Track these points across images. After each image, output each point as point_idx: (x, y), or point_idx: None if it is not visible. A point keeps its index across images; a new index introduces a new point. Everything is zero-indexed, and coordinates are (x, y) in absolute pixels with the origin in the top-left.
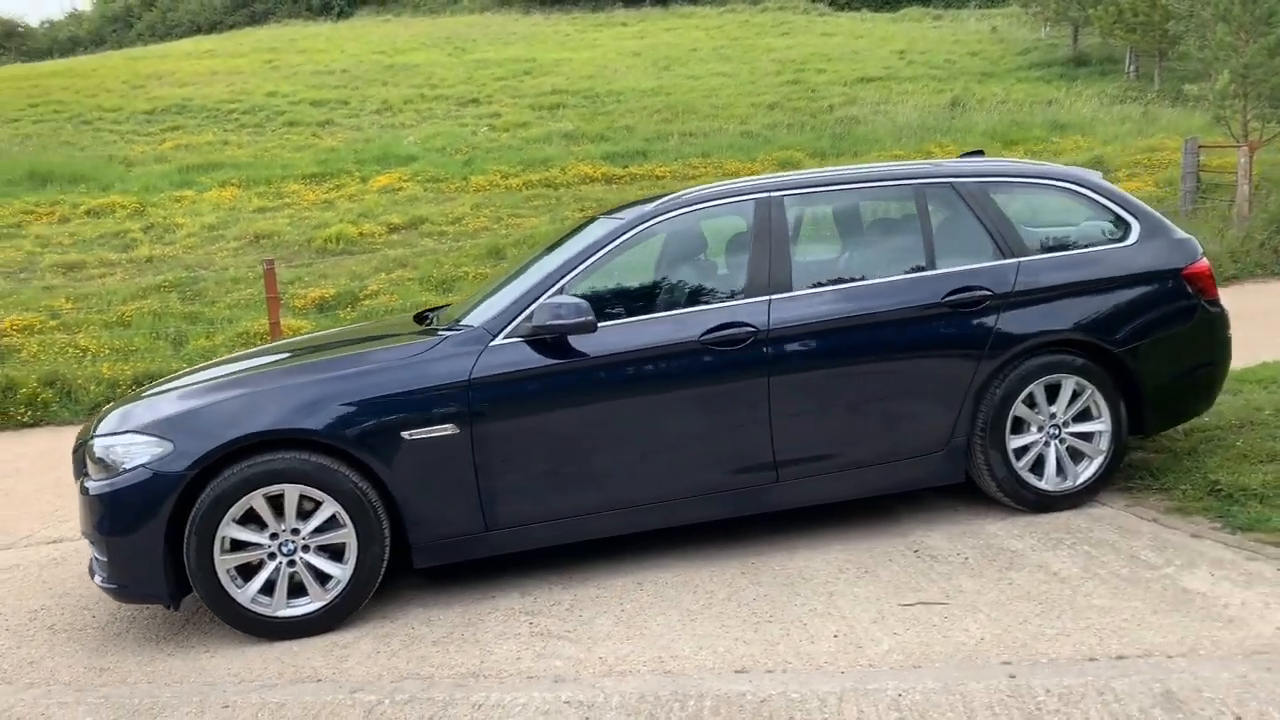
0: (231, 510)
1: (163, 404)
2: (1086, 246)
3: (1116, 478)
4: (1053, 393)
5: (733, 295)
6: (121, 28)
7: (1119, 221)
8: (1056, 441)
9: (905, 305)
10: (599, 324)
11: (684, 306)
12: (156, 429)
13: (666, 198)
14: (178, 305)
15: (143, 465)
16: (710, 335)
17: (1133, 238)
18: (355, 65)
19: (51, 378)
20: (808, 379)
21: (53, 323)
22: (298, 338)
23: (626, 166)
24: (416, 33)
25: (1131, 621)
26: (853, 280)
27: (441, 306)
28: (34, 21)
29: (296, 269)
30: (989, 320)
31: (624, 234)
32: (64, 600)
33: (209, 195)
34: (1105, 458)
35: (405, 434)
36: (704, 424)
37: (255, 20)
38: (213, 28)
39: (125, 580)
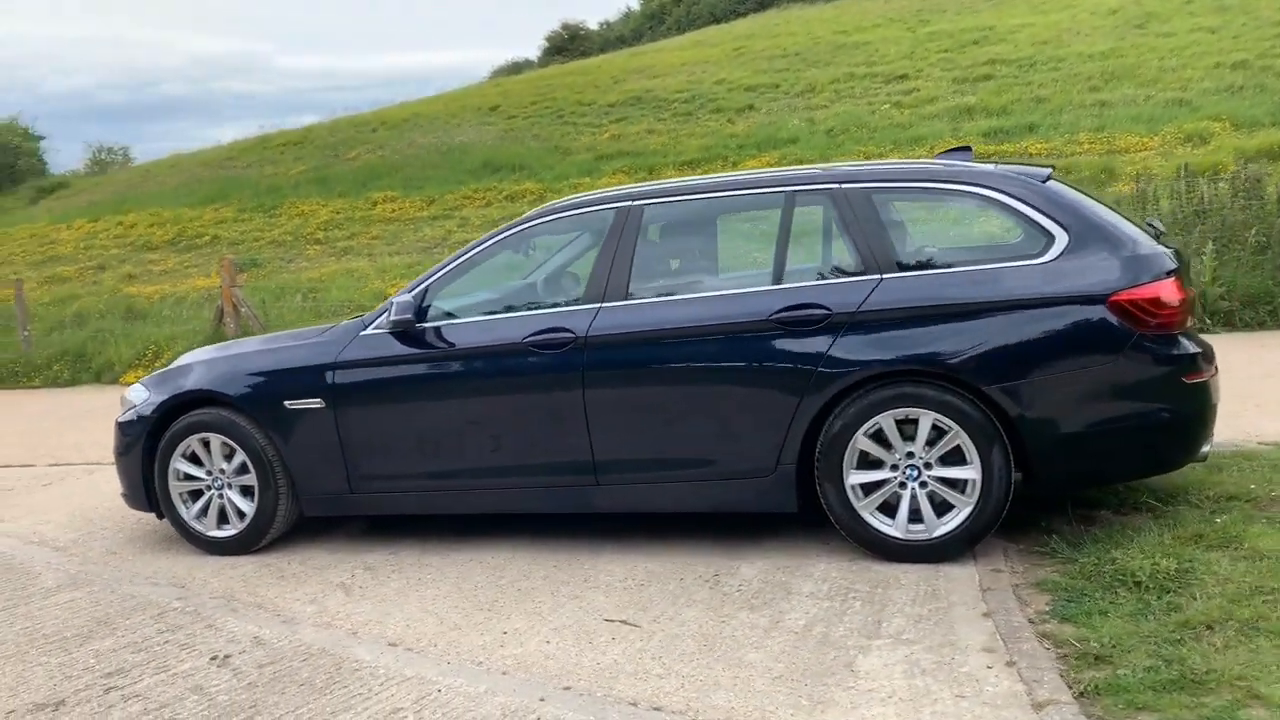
0: (179, 448)
1: (175, 362)
2: (982, 263)
3: (1042, 532)
4: (912, 428)
5: (574, 301)
6: (655, 24)
7: (1040, 233)
8: (916, 484)
9: (729, 320)
10: (464, 320)
11: (532, 309)
12: (149, 382)
13: (546, 204)
14: None
15: (134, 407)
16: (534, 338)
17: (1051, 253)
18: (810, 47)
19: None
20: (626, 387)
21: None
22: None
23: (1002, 143)
24: (891, 8)
25: (733, 681)
26: (693, 291)
27: None
28: (594, 24)
29: None
30: (824, 341)
31: (495, 239)
32: None
33: (601, 182)
34: (973, 510)
35: (287, 403)
36: (529, 421)
37: (763, 6)
38: (726, 17)
39: (126, 492)
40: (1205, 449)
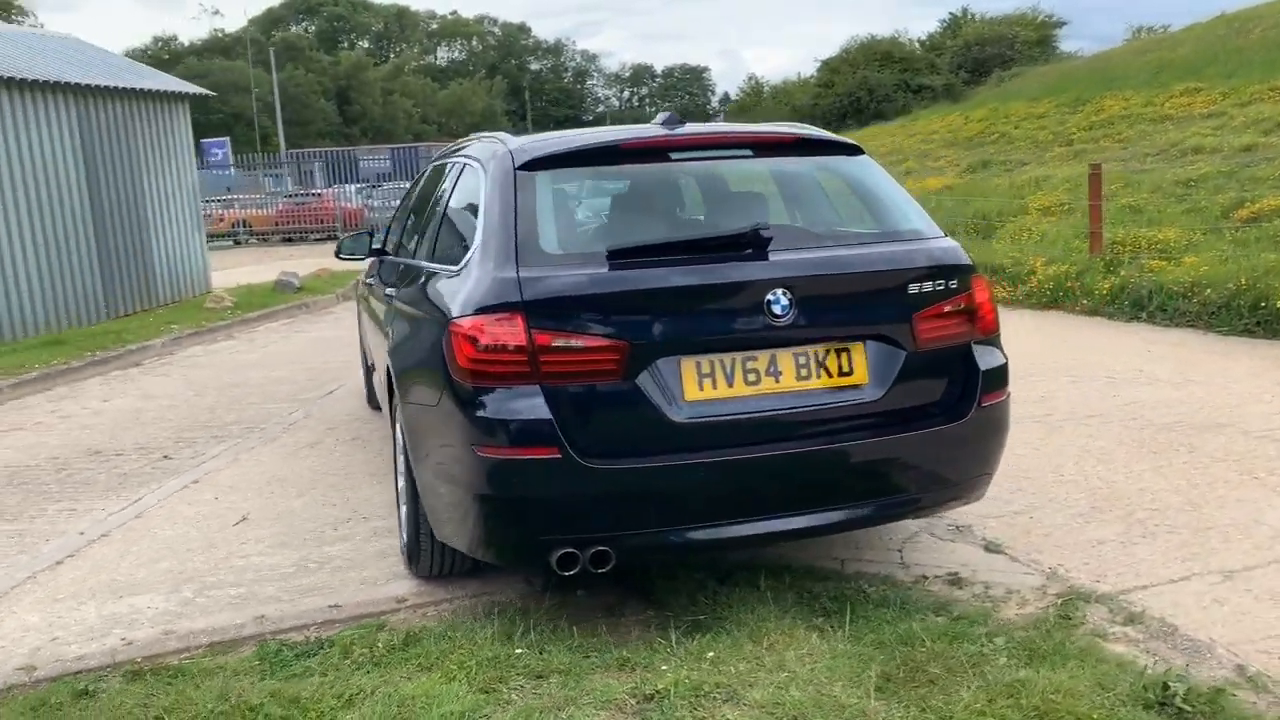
0: None
1: None
2: (446, 261)
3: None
4: None
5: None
6: None
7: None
8: None
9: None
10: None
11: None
12: None
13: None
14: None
15: None
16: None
17: (464, 259)
18: None
19: None
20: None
21: None
22: None
23: None
24: None
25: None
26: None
27: None
28: None
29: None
30: None
31: (416, 182)
32: None
33: None
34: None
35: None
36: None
37: None
38: None
39: None
40: (551, 559)
